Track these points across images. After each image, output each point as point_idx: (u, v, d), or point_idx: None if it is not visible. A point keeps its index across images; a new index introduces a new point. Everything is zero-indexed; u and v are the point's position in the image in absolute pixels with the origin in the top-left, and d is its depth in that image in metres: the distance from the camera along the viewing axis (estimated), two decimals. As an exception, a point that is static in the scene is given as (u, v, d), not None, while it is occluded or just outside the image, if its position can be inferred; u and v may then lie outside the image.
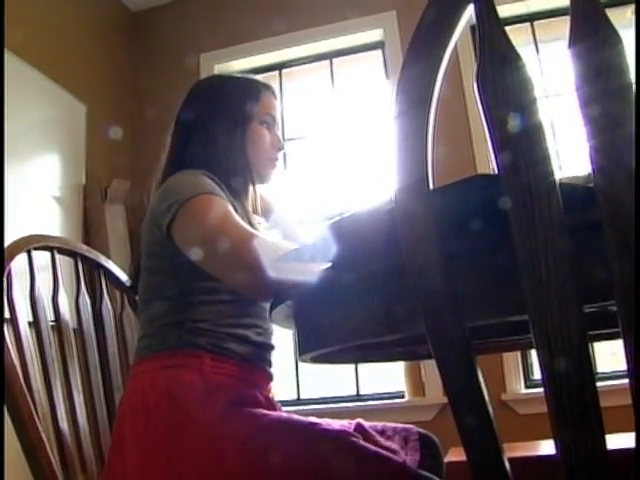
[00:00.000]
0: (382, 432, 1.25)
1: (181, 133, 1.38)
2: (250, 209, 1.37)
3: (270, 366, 1.32)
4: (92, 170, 3.14)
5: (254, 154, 1.37)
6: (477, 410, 0.50)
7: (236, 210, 1.22)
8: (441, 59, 0.54)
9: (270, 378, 1.32)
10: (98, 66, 3.38)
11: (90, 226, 3.05)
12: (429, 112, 0.53)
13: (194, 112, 1.38)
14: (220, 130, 1.34)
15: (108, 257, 1.61)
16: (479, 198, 0.54)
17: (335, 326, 0.70)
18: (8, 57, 2.68)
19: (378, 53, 3.50)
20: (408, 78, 0.54)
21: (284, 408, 1.35)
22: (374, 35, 3.46)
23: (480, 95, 0.51)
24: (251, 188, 1.38)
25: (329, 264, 0.66)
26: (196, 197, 1.17)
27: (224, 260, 1.12)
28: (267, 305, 1.28)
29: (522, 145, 0.49)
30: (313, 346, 0.76)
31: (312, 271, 0.68)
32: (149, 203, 1.30)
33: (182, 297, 1.23)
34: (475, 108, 3.06)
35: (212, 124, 1.34)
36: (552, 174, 0.48)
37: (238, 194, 1.33)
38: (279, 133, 1.45)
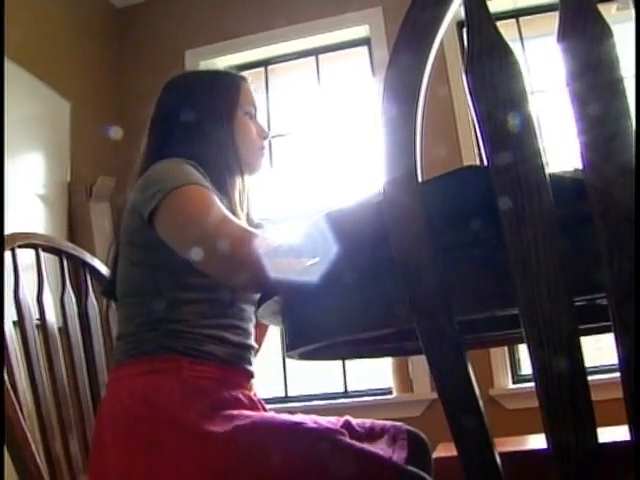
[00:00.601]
0: (370, 429, 1.25)
1: (161, 129, 1.35)
2: (237, 202, 1.35)
3: (250, 365, 1.30)
4: (77, 168, 3.12)
5: (244, 145, 1.35)
6: (469, 406, 0.50)
7: (223, 204, 1.20)
8: (429, 50, 0.53)
9: (251, 376, 1.30)
10: (82, 63, 3.35)
11: (75, 224, 3.02)
12: (417, 104, 0.52)
13: (174, 107, 1.34)
14: (205, 123, 1.31)
15: (93, 255, 1.59)
16: (469, 190, 0.54)
17: (323, 321, 0.69)
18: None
19: (364, 49, 3.50)
20: (396, 71, 0.54)
21: (271, 406, 1.35)
22: (360, 31, 3.46)
23: (469, 86, 0.50)
24: (239, 181, 1.36)
25: (316, 259, 0.65)
26: (183, 187, 1.14)
27: (211, 254, 1.09)
28: (246, 305, 1.28)
29: (512, 138, 0.49)
30: (301, 342, 0.75)
31: (302, 267, 0.67)
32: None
33: (158, 294, 1.20)
34: (461, 99, 3.08)
35: (196, 118, 1.31)
36: (542, 167, 0.48)
37: (225, 188, 1.30)
38: (261, 122, 1.44)
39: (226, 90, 1.37)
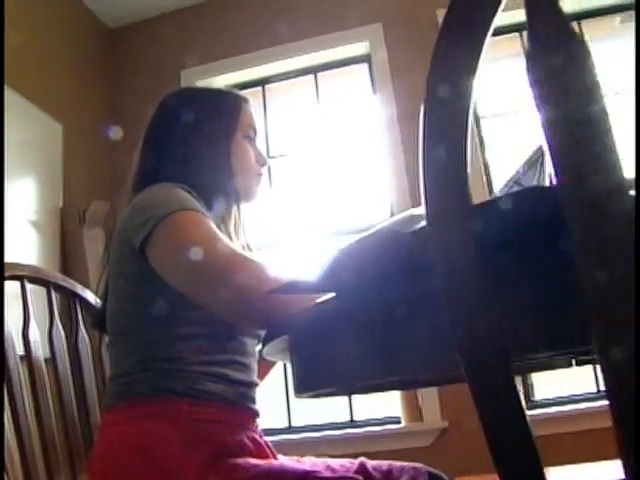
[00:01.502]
0: (388, 473, 1.15)
1: (153, 149, 1.26)
2: (232, 230, 1.27)
3: (254, 403, 1.19)
4: (69, 192, 3.02)
5: (240, 170, 1.26)
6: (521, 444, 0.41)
7: (219, 229, 1.11)
8: (481, 46, 0.43)
9: (256, 415, 1.19)
10: (74, 84, 3.27)
11: (68, 251, 2.91)
12: (467, 110, 0.43)
13: (168, 127, 1.26)
14: (202, 145, 1.22)
15: (87, 283, 1.50)
16: (532, 213, 0.44)
17: (341, 365, 0.61)
18: (-21, 76, 2.57)
19: (364, 67, 3.42)
20: (440, 71, 0.44)
21: (274, 438, 1.24)
22: (360, 48, 3.38)
23: (531, 87, 0.40)
24: (234, 208, 1.28)
25: (330, 295, 0.59)
26: (177, 212, 1.04)
27: (212, 287, 0.99)
28: (247, 339, 1.18)
29: (588, 145, 0.39)
30: (311, 386, 0.68)
31: (310, 302, 0.61)
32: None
33: (151, 331, 1.10)
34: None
35: (192, 138, 1.22)
36: (623, 182, 0.39)
37: (220, 214, 1.22)
38: (260, 147, 1.35)
39: (226, 111, 1.28)
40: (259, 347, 1.19)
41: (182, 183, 1.14)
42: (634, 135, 0.41)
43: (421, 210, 0.45)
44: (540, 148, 0.62)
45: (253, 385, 1.20)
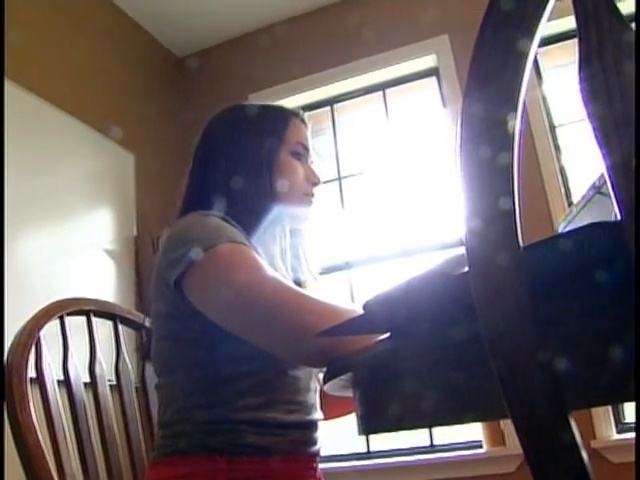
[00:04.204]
0: None
1: (198, 170, 1.19)
2: (279, 257, 1.19)
3: (310, 445, 1.10)
4: (143, 220, 3.07)
5: (284, 188, 1.16)
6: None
7: (261, 257, 1.03)
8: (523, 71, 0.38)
9: (313, 459, 1.11)
10: (145, 114, 3.33)
11: (143, 278, 2.96)
12: (512, 138, 0.37)
13: (212, 145, 1.19)
14: (244, 163, 1.15)
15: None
16: (591, 250, 0.38)
17: (404, 405, 0.57)
18: (54, 112, 2.66)
19: (432, 80, 3.35)
20: (479, 97, 0.39)
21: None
22: (427, 61, 3.32)
23: (583, 99, 0.35)
24: (280, 233, 1.21)
25: (386, 334, 0.56)
26: (215, 246, 0.97)
27: (264, 324, 0.94)
28: (301, 373, 1.10)
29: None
30: (377, 427, 0.64)
31: (367, 341, 0.58)
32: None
33: (191, 373, 1.04)
34: (545, 146, 2.89)
35: (234, 157, 1.15)
36: None
37: (263, 237, 1.13)
38: (315, 166, 1.25)
39: (271, 126, 1.19)
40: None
41: (222, 209, 1.08)
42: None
43: None
44: (594, 185, 0.55)
45: (310, 425, 1.11)
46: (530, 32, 0.37)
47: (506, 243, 0.37)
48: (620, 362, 0.38)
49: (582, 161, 2.93)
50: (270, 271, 0.98)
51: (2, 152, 2.13)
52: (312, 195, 1.21)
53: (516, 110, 0.37)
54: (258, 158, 1.15)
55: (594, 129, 0.35)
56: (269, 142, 1.17)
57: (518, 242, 0.37)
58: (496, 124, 0.38)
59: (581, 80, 0.35)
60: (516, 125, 0.37)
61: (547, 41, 3.06)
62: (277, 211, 1.15)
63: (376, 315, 0.55)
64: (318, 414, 1.14)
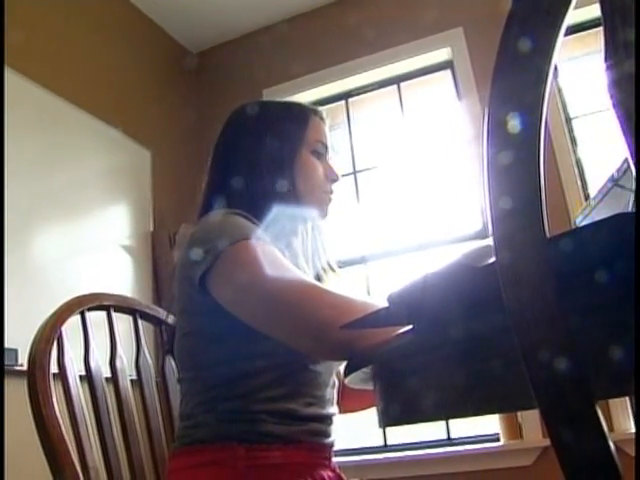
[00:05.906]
0: None
1: (218, 167, 1.20)
2: (300, 254, 1.20)
3: (326, 437, 1.12)
4: (159, 216, 3.09)
5: (305, 187, 1.17)
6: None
7: (283, 255, 1.04)
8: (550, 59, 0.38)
9: (328, 452, 1.12)
10: (160, 111, 3.35)
11: (160, 274, 2.97)
12: (538, 133, 0.37)
13: (233, 142, 1.20)
14: (264, 161, 1.16)
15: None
16: (617, 240, 0.38)
17: (425, 396, 0.58)
18: (71, 109, 2.67)
19: (447, 73, 3.34)
20: (503, 86, 0.39)
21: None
22: (442, 54, 3.31)
23: (610, 89, 0.35)
24: (301, 229, 1.22)
25: (409, 327, 0.56)
26: (237, 243, 0.98)
27: (286, 320, 0.94)
28: (322, 368, 1.11)
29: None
30: (398, 417, 0.64)
31: (389, 334, 0.58)
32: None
33: (215, 367, 1.06)
34: (561, 138, 2.86)
35: (254, 154, 1.16)
36: None
37: (285, 235, 1.15)
38: (333, 163, 1.26)
39: (291, 125, 1.20)
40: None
41: (243, 207, 1.09)
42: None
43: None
44: (612, 177, 0.55)
45: (327, 418, 1.12)
46: (555, 25, 0.37)
47: (533, 234, 0.37)
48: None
49: (598, 153, 2.90)
50: (292, 268, 0.99)
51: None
52: (331, 192, 1.22)
53: (543, 99, 0.37)
54: (279, 158, 1.16)
55: (619, 117, 0.36)
56: (290, 142, 1.18)
57: (545, 233, 0.37)
58: (523, 111, 0.38)
59: (607, 68, 0.35)
60: (543, 113, 0.38)
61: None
62: (298, 209, 1.16)
63: (400, 307, 0.55)
64: (334, 408, 1.16)
